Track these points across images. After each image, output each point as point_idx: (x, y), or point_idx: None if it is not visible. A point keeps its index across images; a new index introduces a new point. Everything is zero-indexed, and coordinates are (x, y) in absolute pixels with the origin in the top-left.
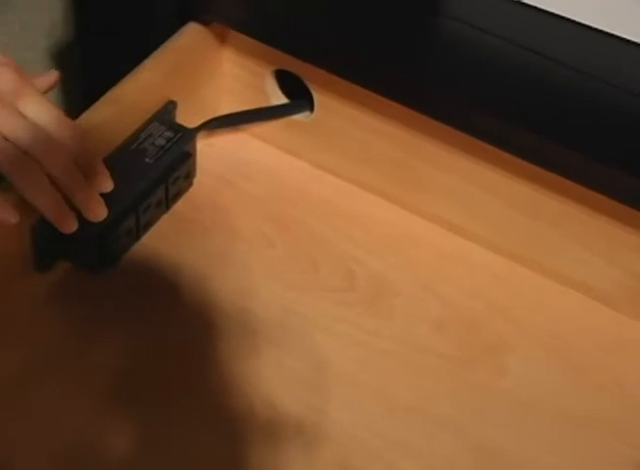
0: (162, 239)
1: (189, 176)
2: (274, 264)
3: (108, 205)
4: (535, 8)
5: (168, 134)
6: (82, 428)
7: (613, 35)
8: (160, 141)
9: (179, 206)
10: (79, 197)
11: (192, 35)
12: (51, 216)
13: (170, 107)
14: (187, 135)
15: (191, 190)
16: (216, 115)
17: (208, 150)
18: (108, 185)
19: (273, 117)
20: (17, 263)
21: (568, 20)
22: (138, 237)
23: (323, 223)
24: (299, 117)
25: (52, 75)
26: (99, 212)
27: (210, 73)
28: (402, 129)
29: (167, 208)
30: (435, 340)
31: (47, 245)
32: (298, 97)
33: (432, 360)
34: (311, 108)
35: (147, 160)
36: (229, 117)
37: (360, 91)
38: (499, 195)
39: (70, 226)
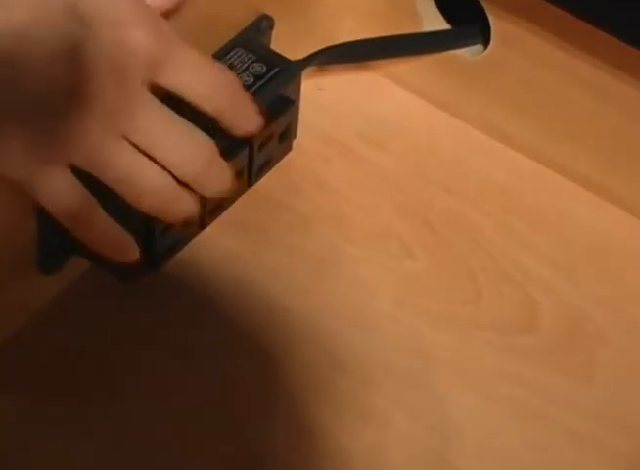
0: (238, 231)
1: (286, 136)
2: (410, 284)
3: None
4: None
5: (258, 68)
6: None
7: None
8: (246, 78)
9: (267, 182)
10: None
11: None
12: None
13: (263, 25)
14: (287, 71)
15: (287, 158)
16: (332, 42)
17: (317, 97)
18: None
19: (423, 51)
20: (15, 260)
21: None
22: (202, 227)
23: (491, 222)
24: (464, 54)
25: None
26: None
27: None
28: (629, 84)
29: (250, 184)
30: None
31: (58, 236)
32: (465, 23)
33: None
34: (485, 40)
35: None
36: (352, 47)
37: (564, 19)
38: None
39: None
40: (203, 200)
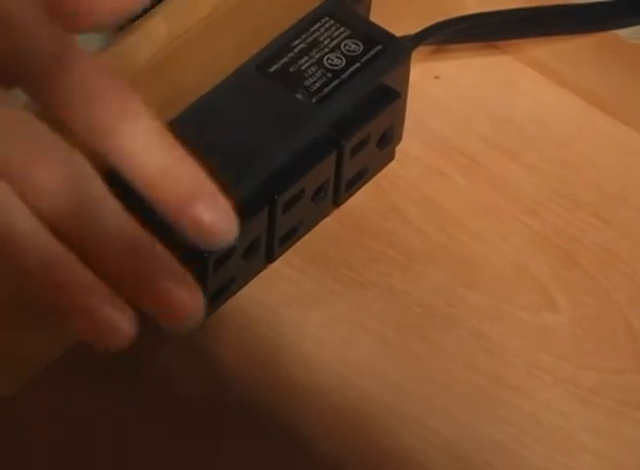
0: (316, 266)
1: (388, 140)
2: (548, 344)
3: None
4: None
5: (353, 46)
6: None
7: None
8: (336, 59)
9: (359, 201)
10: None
11: None
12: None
13: None
14: (391, 52)
15: (387, 170)
16: (453, 14)
17: (432, 87)
18: None
19: (576, 30)
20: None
21: None
22: (270, 259)
23: None
24: (632, 34)
25: None
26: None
27: None
28: None
29: (336, 202)
30: None
31: None
32: None
33: None
34: None
35: (300, 97)
36: (480, 21)
37: None
38: None
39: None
40: (271, 217)
